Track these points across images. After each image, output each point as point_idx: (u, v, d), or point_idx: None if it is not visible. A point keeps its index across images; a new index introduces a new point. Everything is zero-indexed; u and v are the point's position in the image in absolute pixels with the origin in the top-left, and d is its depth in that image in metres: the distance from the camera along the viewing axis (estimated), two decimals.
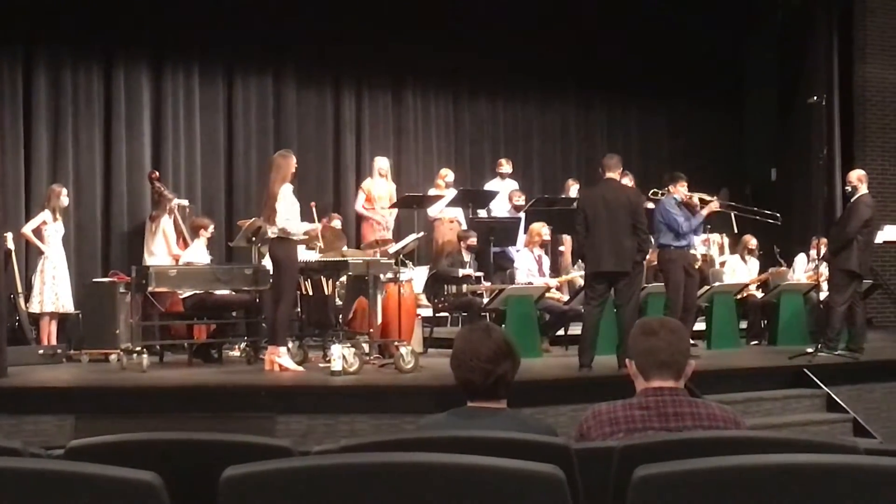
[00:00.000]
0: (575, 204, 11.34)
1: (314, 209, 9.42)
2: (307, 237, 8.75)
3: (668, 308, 9.17)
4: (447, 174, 12.25)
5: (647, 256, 11.27)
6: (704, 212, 9.49)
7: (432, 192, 12.04)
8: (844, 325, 9.64)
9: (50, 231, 9.70)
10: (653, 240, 9.71)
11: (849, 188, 9.79)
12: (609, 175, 8.45)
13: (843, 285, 9.49)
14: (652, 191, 10.75)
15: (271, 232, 8.39)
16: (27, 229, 9.73)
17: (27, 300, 9.70)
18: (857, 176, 9.83)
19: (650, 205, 11.17)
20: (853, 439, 6.63)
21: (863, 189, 9.62)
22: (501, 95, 14.14)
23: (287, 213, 8.29)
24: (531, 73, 13.99)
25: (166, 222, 10.33)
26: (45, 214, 9.75)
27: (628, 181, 11.90)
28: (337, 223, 10.97)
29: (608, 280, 8.23)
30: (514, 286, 10.07)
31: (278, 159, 8.56)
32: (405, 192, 11.93)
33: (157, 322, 9.45)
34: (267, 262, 9.06)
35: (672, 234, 9.22)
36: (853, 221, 9.47)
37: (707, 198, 9.87)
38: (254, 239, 9.66)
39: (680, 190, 9.47)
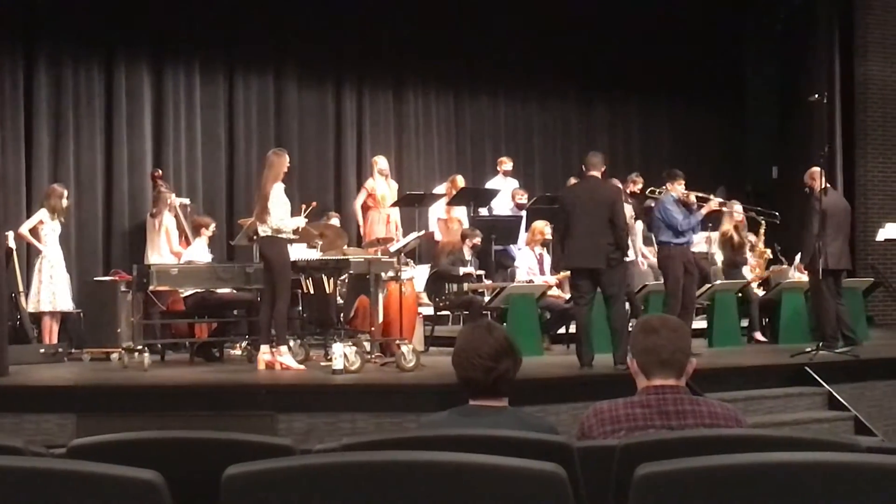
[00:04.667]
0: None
1: (304, 210, 9.00)
2: (297, 236, 8.73)
3: (666, 305, 9.17)
4: (461, 183, 12.05)
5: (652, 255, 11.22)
6: (704, 210, 9.48)
7: (438, 190, 12.02)
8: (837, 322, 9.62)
9: (47, 230, 9.65)
10: (653, 237, 9.71)
11: (807, 189, 9.70)
12: (592, 173, 8.44)
13: (815, 284, 9.49)
14: (650, 189, 10.73)
15: (262, 231, 8.39)
16: (24, 229, 9.68)
17: (27, 299, 9.70)
18: (808, 175, 9.72)
19: (650, 202, 11.19)
20: (854, 437, 6.62)
21: (817, 186, 9.49)
22: (502, 94, 14.11)
23: (281, 212, 8.32)
24: (532, 71, 13.97)
25: (168, 220, 10.32)
26: (42, 213, 9.70)
27: (628, 184, 11.92)
28: (335, 221, 10.94)
29: (588, 277, 8.26)
30: (515, 284, 10.07)
31: (272, 157, 8.54)
32: (406, 190, 11.91)
33: (158, 321, 9.45)
34: None
35: (671, 231, 9.22)
36: (812, 224, 9.36)
37: (704, 196, 9.86)
38: (255, 237, 9.66)
39: (677, 188, 9.45)
